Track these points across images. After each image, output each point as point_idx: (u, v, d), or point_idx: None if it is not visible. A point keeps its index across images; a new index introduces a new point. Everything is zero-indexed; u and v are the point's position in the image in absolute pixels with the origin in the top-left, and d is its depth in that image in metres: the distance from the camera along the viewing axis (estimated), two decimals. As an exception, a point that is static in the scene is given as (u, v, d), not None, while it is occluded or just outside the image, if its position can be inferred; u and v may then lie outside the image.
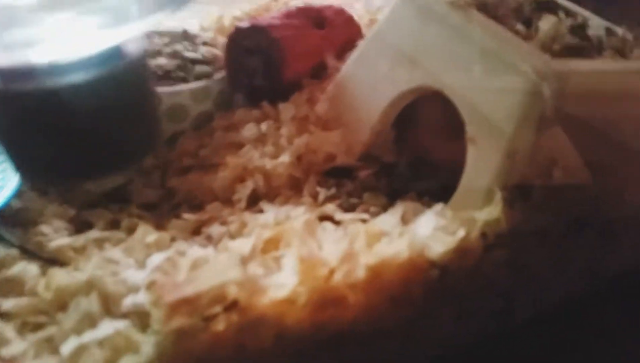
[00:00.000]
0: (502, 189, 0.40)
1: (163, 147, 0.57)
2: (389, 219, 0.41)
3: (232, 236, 0.45)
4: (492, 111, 0.41)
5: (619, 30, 0.50)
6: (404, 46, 0.49)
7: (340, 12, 0.69)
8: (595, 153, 0.43)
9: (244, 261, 0.35)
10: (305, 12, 0.65)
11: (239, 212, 0.48)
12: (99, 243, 0.45)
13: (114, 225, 0.48)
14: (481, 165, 0.41)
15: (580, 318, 0.48)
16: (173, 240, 0.46)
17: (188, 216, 0.49)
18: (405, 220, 0.42)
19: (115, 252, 0.43)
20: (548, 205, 0.40)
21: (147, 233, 0.45)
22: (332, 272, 0.34)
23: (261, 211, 0.48)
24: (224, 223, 0.47)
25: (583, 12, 0.54)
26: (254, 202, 0.50)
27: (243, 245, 0.40)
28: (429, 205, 0.45)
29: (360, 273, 0.34)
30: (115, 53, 0.29)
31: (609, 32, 0.50)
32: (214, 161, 0.55)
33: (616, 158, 0.44)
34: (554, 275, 0.45)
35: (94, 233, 0.46)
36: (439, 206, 0.42)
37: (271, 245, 0.40)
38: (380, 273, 0.35)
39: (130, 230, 0.47)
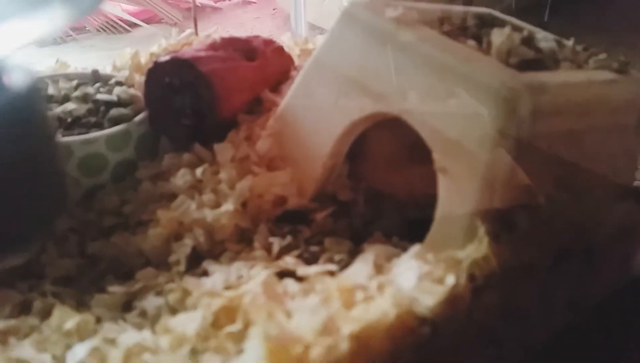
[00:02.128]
0: (484, 221, 0.35)
1: (78, 206, 0.48)
2: (361, 269, 0.35)
3: (173, 310, 0.37)
4: (462, 135, 0.36)
5: (569, 42, 0.47)
6: (349, 70, 0.44)
7: (269, 43, 0.63)
8: (569, 169, 0.40)
9: (194, 349, 0.27)
10: (232, 43, 0.58)
11: (177, 277, 0.41)
12: (3, 336, 0.36)
13: (23, 309, 0.39)
14: (456, 196, 0.36)
15: (569, 351, 0.44)
16: (99, 321, 0.37)
17: (115, 289, 0.40)
18: (378, 268, 0.36)
19: (24, 348, 0.34)
20: (535, 235, 0.36)
21: (65, 317, 0.36)
22: (307, 349, 0.27)
23: (206, 273, 0.41)
24: (160, 293, 0.40)
25: (527, 26, 0.51)
26: (195, 263, 0.42)
27: (188, 322, 0.33)
28: (400, 246, 0.40)
29: (344, 346, 0.28)
30: None
31: (559, 44, 0.47)
32: (141, 218, 0.47)
33: (589, 173, 0.41)
34: (542, 310, 0.40)
35: (-4, 324, 0.37)
36: (415, 248, 0.36)
37: (224, 318, 0.33)
38: (366, 342, 0.28)
39: (45, 314, 0.38)
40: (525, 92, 0.35)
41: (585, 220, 0.40)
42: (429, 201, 0.42)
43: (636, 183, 0.47)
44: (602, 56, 0.44)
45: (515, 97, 0.35)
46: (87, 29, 1.92)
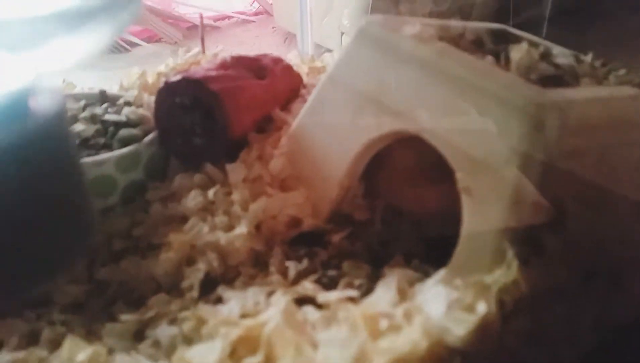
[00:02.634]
0: (512, 243, 0.34)
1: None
2: (384, 295, 0.34)
3: (188, 340, 0.36)
4: (487, 154, 0.35)
5: (587, 58, 0.47)
6: (365, 88, 0.43)
7: (278, 61, 0.63)
8: (595, 187, 0.38)
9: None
10: (242, 62, 0.58)
11: (191, 304, 0.39)
12: (11, 370, 0.34)
13: (31, 340, 0.38)
14: (482, 218, 0.35)
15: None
16: (111, 352, 0.36)
17: (126, 317, 0.39)
18: (402, 293, 0.35)
19: (33, 382, 0.32)
20: (564, 256, 0.34)
21: (76, 348, 0.35)
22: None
23: (220, 299, 0.39)
24: (173, 321, 0.38)
25: (542, 41, 0.51)
26: (209, 288, 0.41)
27: (206, 353, 0.31)
28: (421, 270, 0.39)
29: (375, 380, 0.26)
30: (19, 109, 0.20)
31: (577, 59, 0.46)
32: (152, 242, 0.45)
33: (614, 190, 0.40)
34: (570, 333, 0.39)
35: (3, 356, 0.35)
36: (440, 273, 0.35)
37: (243, 348, 0.32)
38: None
39: (54, 344, 0.37)
40: (552, 109, 0.34)
41: (612, 239, 0.39)
42: (448, 220, 0.41)
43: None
44: (622, 71, 0.44)
45: (542, 114, 0.34)
46: (87, 48, 1.93)
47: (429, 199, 0.43)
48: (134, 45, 2.04)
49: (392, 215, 0.45)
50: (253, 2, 2.51)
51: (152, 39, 2.11)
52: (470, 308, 0.31)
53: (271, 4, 2.31)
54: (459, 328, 0.29)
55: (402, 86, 0.40)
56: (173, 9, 2.24)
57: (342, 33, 1.80)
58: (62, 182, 0.22)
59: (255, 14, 2.51)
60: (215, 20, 2.38)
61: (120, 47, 1.98)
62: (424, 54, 0.39)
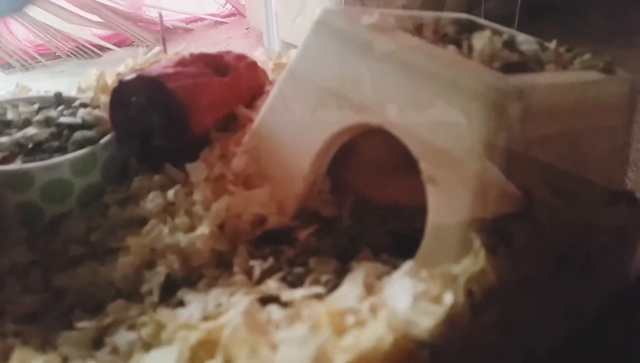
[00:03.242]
0: (479, 233, 0.33)
1: (41, 236, 0.45)
2: (351, 290, 0.33)
3: (146, 345, 0.34)
4: (450, 143, 0.34)
5: (551, 44, 0.46)
6: (326, 81, 0.42)
7: (242, 58, 0.61)
8: (561, 173, 0.38)
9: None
10: (202, 59, 0.56)
11: (151, 309, 0.37)
12: (-43, 387, 0.32)
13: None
14: (448, 207, 0.34)
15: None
16: (65, 361, 0.34)
17: (84, 324, 0.37)
18: (369, 287, 0.34)
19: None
20: (532, 245, 0.34)
21: (26, 359, 0.33)
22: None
23: (182, 303, 0.37)
24: (132, 327, 0.36)
25: (506, 29, 0.50)
26: (169, 292, 0.39)
27: (162, 359, 0.30)
28: (389, 263, 0.38)
29: (337, 378, 0.25)
30: None
31: (542, 46, 0.46)
32: (110, 246, 0.43)
33: (580, 176, 0.39)
34: (542, 321, 0.38)
35: (-52, 373, 0.33)
36: (407, 265, 0.34)
37: (203, 352, 0.30)
38: (362, 372, 0.26)
39: (5, 357, 0.34)
40: (513, 95, 0.33)
41: (580, 225, 0.38)
42: (416, 212, 0.40)
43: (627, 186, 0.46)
44: (587, 56, 0.43)
45: (503, 100, 0.33)
46: (57, 54, 1.89)
47: (397, 190, 0.42)
48: (105, 50, 2.01)
49: (359, 210, 0.44)
50: (225, 3, 2.49)
51: (123, 43, 2.07)
52: (438, 300, 0.30)
53: (244, 5, 2.29)
54: (426, 320, 0.28)
55: (363, 78, 0.39)
56: (144, 13, 2.20)
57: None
58: None
59: (228, 15, 2.49)
60: (188, 22, 2.36)
61: (91, 53, 1.95)
62: (382, 45, 0.38)
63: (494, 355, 0.35)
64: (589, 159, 0.40)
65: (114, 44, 2.00)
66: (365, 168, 0.45)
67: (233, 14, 2.52)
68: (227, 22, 2.53)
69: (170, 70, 0.50)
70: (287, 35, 1.41)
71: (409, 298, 0.30)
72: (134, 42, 2.12)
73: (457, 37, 0.46)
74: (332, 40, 0.41)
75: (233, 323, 0.30)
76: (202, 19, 2.44)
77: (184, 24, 2.30)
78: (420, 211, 0.39)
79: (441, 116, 0.35)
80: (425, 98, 0.36)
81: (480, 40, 0.41)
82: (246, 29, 2.36)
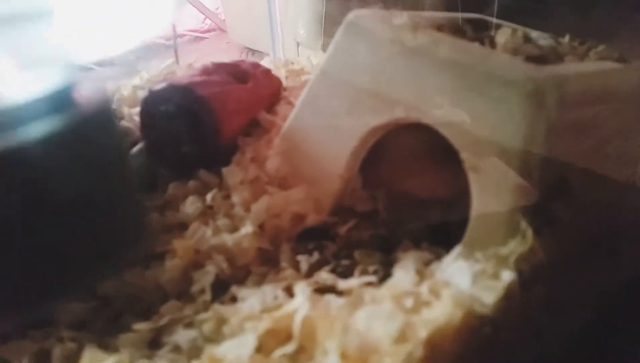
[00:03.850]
0: (524, 215, 0.35)
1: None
2: (405, 277, 0.34)
3: (209, 340, 0.35)
4: (491, 132, 0.36)
5: (564, 39, 0.49)
6: (360, 80, 0.43)
7: (257, 66, 0.63)
8: (591, 156, 0.40)
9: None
10: (223, 68, 0.58)
11: (205, 307, 0.38)
12: (27, 390, 0.33)
13: (41, 359, 0.36)
14: (492, 194, 0.36)
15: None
16: (131, 362, 0.34)
17: (140, 326, 0.38)
18: (420, 274, 0.35)
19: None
20: (574, 227, 0.36)
21: (96, 359, 0.33)
22: (383, 357, 0.26)
23: (234, 299, 0.38)
24: (189, 325, 0.37)
25: (519, 27, 0.52)
26: (220, 290, 0.40)
27: (238, 348, 0.31)
28: (432, 251, 0.39)
29: (419, 352, 0.26)
30: (64, 101, 0.19)
31: (556, 41, 0.48)
32: (154, 251, 0.44)
33: (610, 161, 0.41)
34: (578, 301, 0.40)
35: (15, 378, 0.33)
36: (456, 250, 0.35)
37: (272, 340, 0.31)
38: (439, 346, 0.27)
39: (67, 361, 0.35)
40: (550, 84, 0.35)
41: (608, 208, 0.41)
42: (449, 203, 0.42)
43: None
44: (601, 47, 0.46)
45: (541, 89, 0.35)
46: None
47: (432, 183, 0.44)
48: (86, 69, 2.00)
49: (393, 203, 0.46)
50: (205, 19, 2.50)
51: (103, 62, 2.06)
52: (496, 277, 0.31)
53: (223, 20, 2.31)
54: (488, 296, 0.30)
55: (398, 74, 0.41)
56: (125, 31, 2.20)
57: (298, 43, 1.81)
58: (110, 179, 0.22)
59: (208, 30, 2.50)
60: (167, 39, 2.36)
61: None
62: (418, 42, 0.40)
63: (538, 331, 0.37)
64: (613, 144, 0.42)
65: (94, 63, 2.00)
66: (395, 163, 0.47)
67: (212, 29, 2.54)
68: (207, 38, 2.54)
69: (198, 78, 0.52)
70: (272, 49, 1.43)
71: (468, 277, 0.31)
72: (113, 60, 2.12)
73: (477, 34, 0.49)
74: (364, 41, 0.43)
75: (303, 310, 0.31)
76: (182, 35, 2.45)
77: (163, 41, 2.30)
78: (452, 202, 0.41)
79: (480, 107, 0.37)
80: (462, 91, 0.38)
81: (503, 36, 0.44)
82: (227, 43, 2.38)
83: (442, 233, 0.42)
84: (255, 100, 0.56)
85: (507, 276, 0.31)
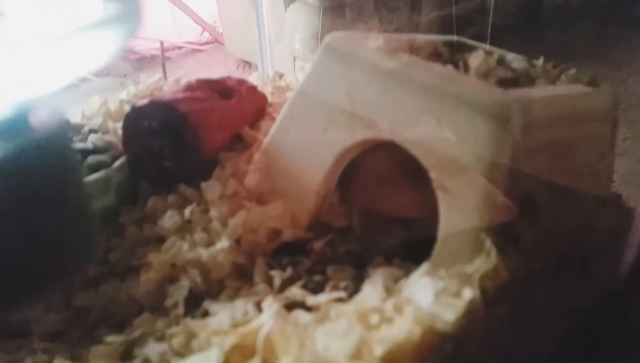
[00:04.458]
0: (489, 234, 0.35)
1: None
2: (372, 293, 0.35)
3: (178, 354, 0.35)
4: (458, 153, 0.37)
5: (539, 61, 0.50)
6: (336, 100, 0.44)
7: (242, 82, 0.64)
8: (558, 178, 0.41)
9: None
10: (207, 84, 0.58)
11: (177, 321, 0.39)
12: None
13: (13, 371, 0.36)
14: (458, 212, 0.37)
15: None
16: (101, 373, 0.35)
17: (112, 339, 0.38)
18: (388, 290, 0.36)
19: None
20: (538, 244, 0.36)
21: (65, 372, 0.34)
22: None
23: (206, 313, 0.39)
24: (160, 338, 0.38)
25: (495, 49, 0.54)
26: (193, 305, 0.41)
27: (205, 362, 0.31)
28: (402, 268, 0.40)
29: (375, 368, 0.27)
30: (19, 123, 0.20)
31: (530, 63, 0.50)
32: (130, 264, 0.45)
33: (575, 181, 0.42)
34: (546, 319, 0.41)
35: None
36: (423, 267, 0.36)
37: (238, 355, 0.32)
38: None
39: (38, 373, 0.36)
40: (515, 108, 0.36)
41: (577, 226, 0.41)
42: (422, 220, 0.43)
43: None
44: (572, 71, 0.47)
45: (506, 112, 0.36)
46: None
47: (404, 201, 0.45)
48: (82, 79, 2.01)
49: (368, 219, 0.47)
50: (203, 31, 2.52)
51: (100, 72, 2.08)
52: (458, 295, 0.32)
53: (221, 33, 2.33)
54: (449, 314, 0.31)
55: (371, 96, 0.42)
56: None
57: (295, 58, 1.83)
58: (61, 199, 0.22)
59: (206, 43, 2.52)
60: (165, 51, 2.38)
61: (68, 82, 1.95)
62: (390, 65, 0.41)
63: (504, 349, 0.37)
64: (581, 165, 0.43)
65: (91, 74, 2.01)
66: (370, 181, 0.48)
67: (210, 42, 2.56)
68: (204, 50, 2.56)
69: (181, 95, 0.52)
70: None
71: (431, 294, 0.32)
72: (110, 71, 2.13)
73: (452, 57, 0.50)
74: (340, 63, 0.44)
75: (268, 325, 0.31)
76: (180, 47, 2.47)
77: (159, 53, 2.32)
78: (423, 221, 0.42)
79: (448, 128, 0.38)
80: (432, 112, 0.39)
81: (476, 59, 0.45)
82: (224, 56, 2.40)
83: (414, 249, 0.42)
84: (238, 116, 0.57)
85: (469, 294, 0.32)
